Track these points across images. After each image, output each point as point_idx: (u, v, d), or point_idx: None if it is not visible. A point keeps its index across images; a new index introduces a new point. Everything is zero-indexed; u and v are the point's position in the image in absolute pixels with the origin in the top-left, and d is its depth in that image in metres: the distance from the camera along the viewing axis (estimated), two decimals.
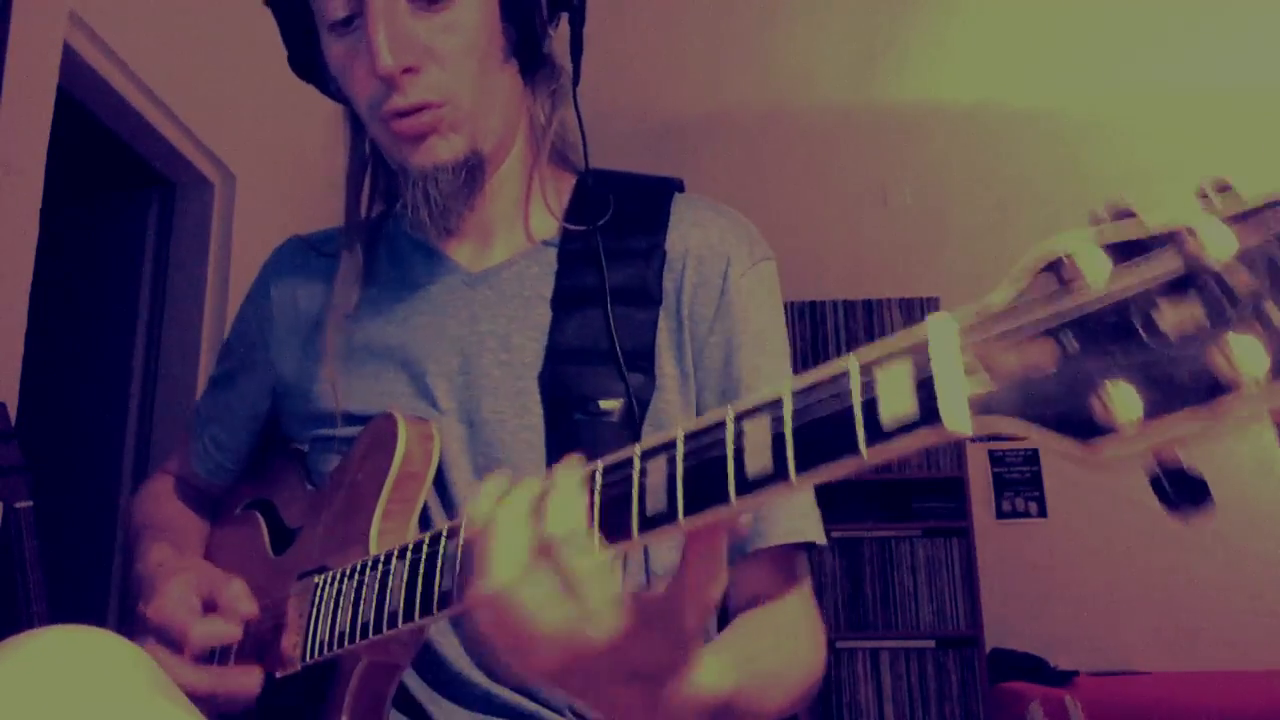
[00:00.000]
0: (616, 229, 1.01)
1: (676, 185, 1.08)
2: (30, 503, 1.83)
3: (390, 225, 1.11)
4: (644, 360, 0.95)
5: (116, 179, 2.96)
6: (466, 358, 0.98)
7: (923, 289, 4.40)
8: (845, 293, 4.45)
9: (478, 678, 0.90)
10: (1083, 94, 4.56)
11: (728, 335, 0.98)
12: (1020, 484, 4.43)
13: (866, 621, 4.06)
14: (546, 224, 1.05)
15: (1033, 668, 3.87)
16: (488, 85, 0.96)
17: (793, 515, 0.94)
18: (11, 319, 2.12)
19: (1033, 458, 4.45)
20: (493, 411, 0.95)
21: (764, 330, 1.00)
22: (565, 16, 1.03)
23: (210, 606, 0.91)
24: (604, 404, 0.92)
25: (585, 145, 1.06)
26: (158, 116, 2.71)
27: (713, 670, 0.66)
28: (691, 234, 1.01)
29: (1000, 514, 4.41)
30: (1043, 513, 4.39)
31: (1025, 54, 4.49)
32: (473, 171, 0.96)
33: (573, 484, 0.59)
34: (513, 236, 1.05)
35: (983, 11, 4.29)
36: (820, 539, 0.96)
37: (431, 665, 0.92)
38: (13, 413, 1.96)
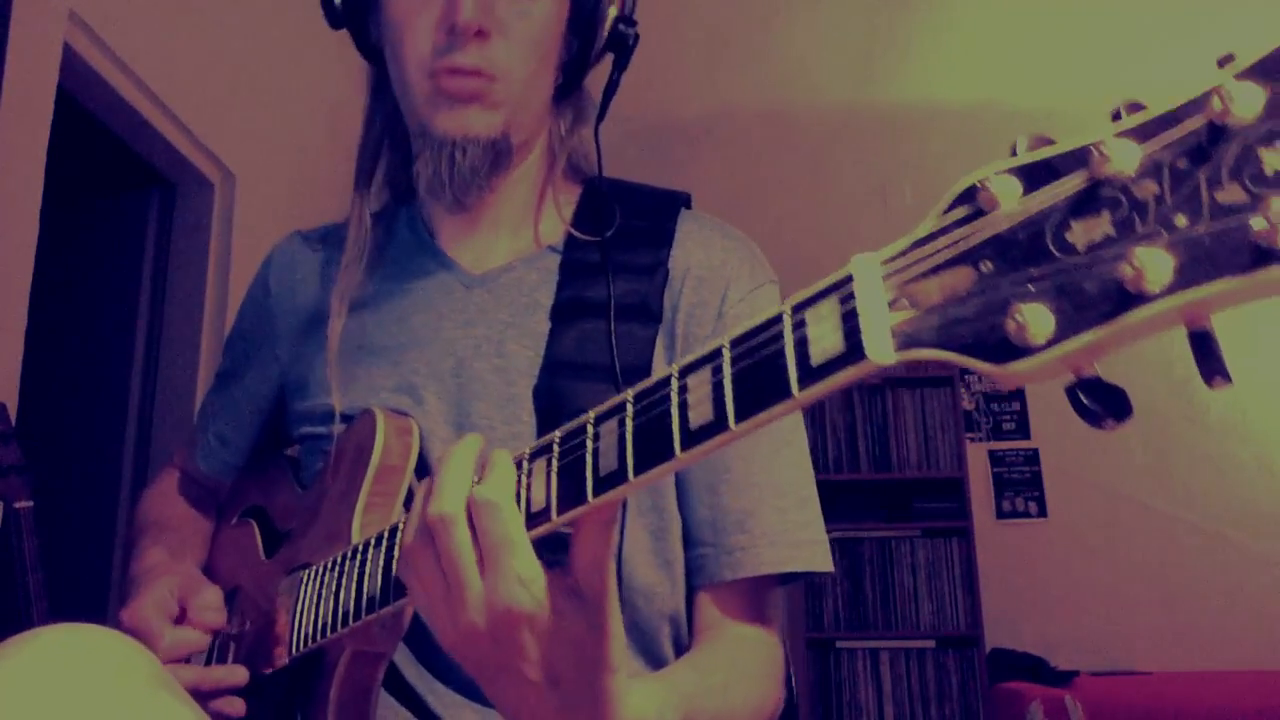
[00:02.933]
0: (622, 242, 1.01)
1: (684, 200, 1.08)
2: (30, 503, 1.84)
3: (393, 220, 1.11)
4: (640, 378, 0.94)
5: (116, 179, 2.98)
6: (459, 361, 0.98)
7: None
8: None
9: None
10: (1082, 95, 4.56)
11: None
12: (1020, 484, 4.43)
13: (866, 621, 4.06)
14: (553, 229, 1.05)
15: (1033, 668, 3.86)
16: (536, 83, 0.98)
17: (776, 542, 0.91)
18: (11, 319, 2.13)
19: (1033, 458, 4.44)
20: (482, 417, 0.95)
21: None
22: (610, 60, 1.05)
23: (187, 612, 0.93)
24: None
25: (600, 163, 1.07)
26: (158, 116, 2.73)
27: (644, 697, 0.66)
28: (694, 253, 1.01)
29: (1000, 514, 4.40)
30: (1043, 513, 4.38)
31: (1025, 54, 4.50)
32: (499, 155, 0.97)
33: (509, 458, 0.62)
34: (517, 240, 1.05)
35: (983, 11, 4.30)
36: (814, 565, 0.92)
37: (425, 651, 0.92)
38: (13, 413, 1.97)
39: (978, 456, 4.43)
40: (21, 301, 2.16)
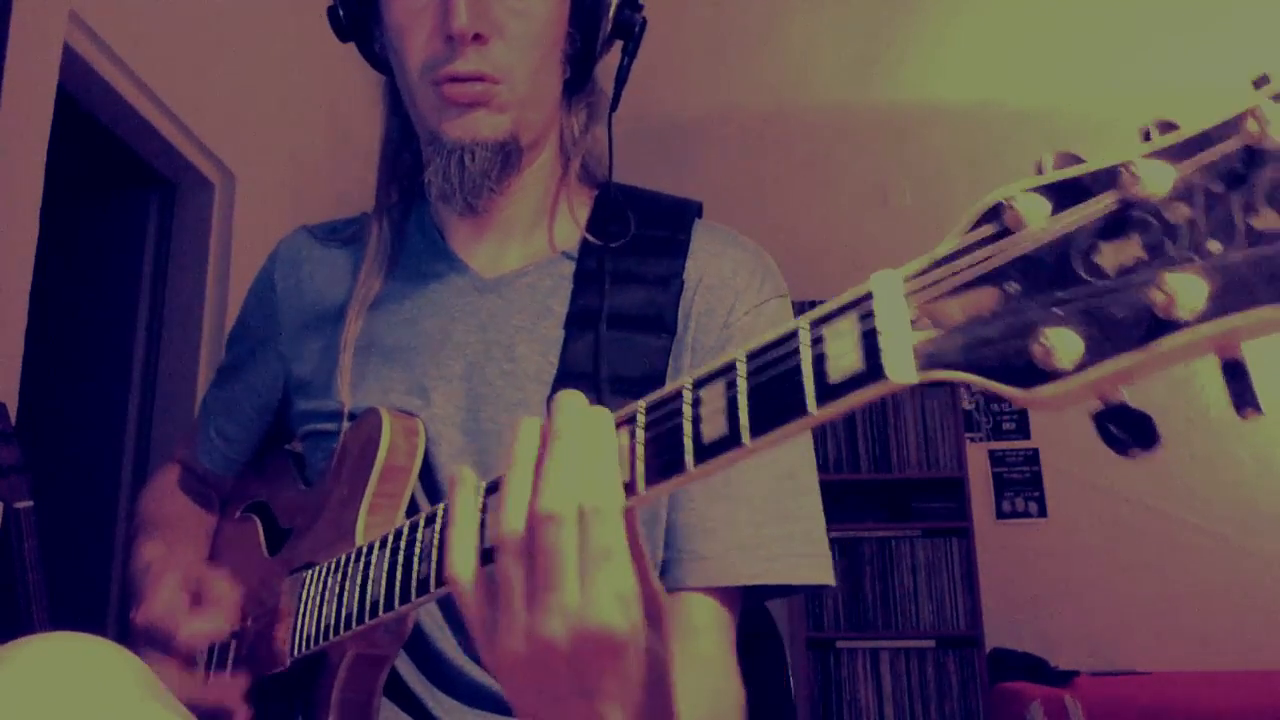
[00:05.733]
0: (637, 250, 1.00)
1: (696, 209, 1.07)
2: (30, 503, 1.84)
3: (406, 220, 1.11)
4: (654, 388, 0.93)
5: (116, 179, 2.97)
6: (470, 364, 0.98)
7: None
8: None
9: (475, 672, 0.90)
10: (1083, 94, 4.56)
11: None
12: (1020, 484, 4.43)
13: (866, 621, 4.06)
14: (567, 234, 1.05)
15: (1033, 668, 3.86)
16: (542, 80, 0.97)
17: (749, 555, 0.88)
18: (11, 319, 2.12)
19: (1033, 458, 4.45)
20: (491, 421, 0.95)
21: None
22: (619, 46, 1.04)
23: (199, 604, 0.92)
24: None
25: (612, 163, 1.06)
26: (158, 116, 2.72)
27: None
28: (707, 264, 1.00)
29: (1000, 514, 4.41)
30: (1043, 513, 4.39)
31: (1025, 54, 4.49)
32: (508, 156, 0.96)
33: (613, 445, 0.56)
34: (529, 244, 1.05)
35: (983, 11, 4.30)
36: (794, 578, 0.88)
37: (429, 659, 0.92)
38: (13, 413, 1.97)
39: (978, 456, 4.43)
40: (21, 301, 2.15)
